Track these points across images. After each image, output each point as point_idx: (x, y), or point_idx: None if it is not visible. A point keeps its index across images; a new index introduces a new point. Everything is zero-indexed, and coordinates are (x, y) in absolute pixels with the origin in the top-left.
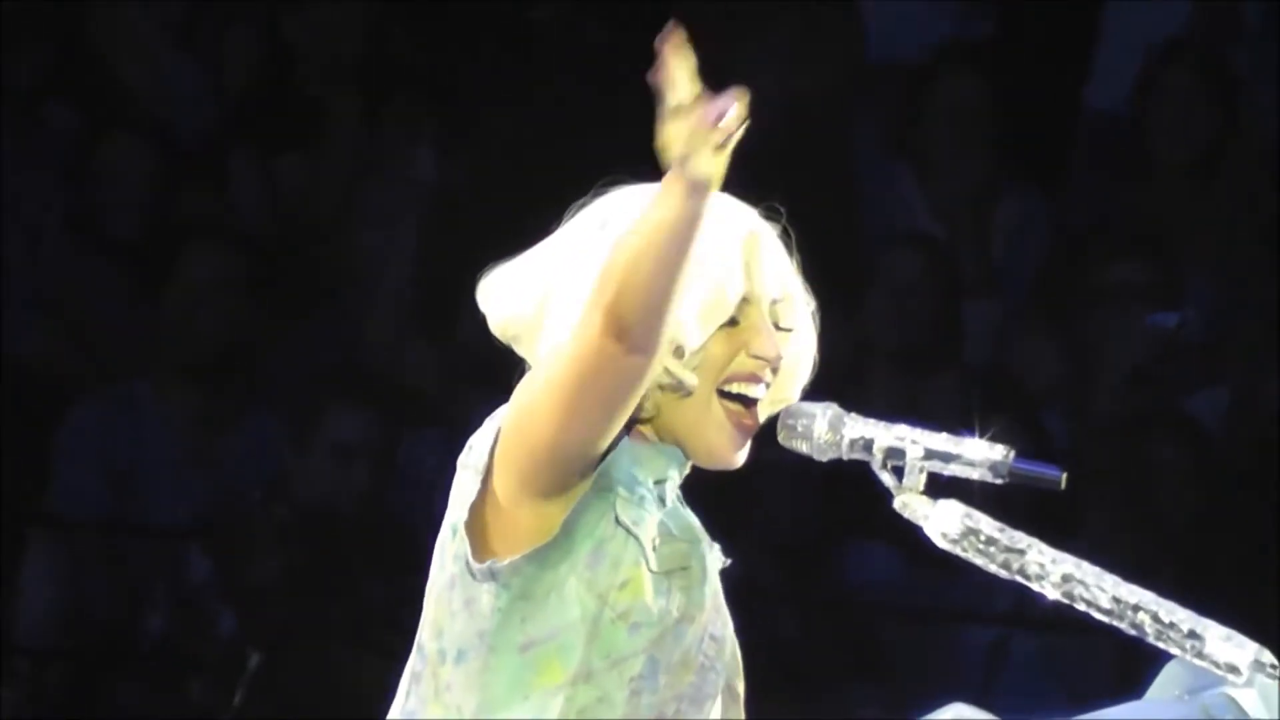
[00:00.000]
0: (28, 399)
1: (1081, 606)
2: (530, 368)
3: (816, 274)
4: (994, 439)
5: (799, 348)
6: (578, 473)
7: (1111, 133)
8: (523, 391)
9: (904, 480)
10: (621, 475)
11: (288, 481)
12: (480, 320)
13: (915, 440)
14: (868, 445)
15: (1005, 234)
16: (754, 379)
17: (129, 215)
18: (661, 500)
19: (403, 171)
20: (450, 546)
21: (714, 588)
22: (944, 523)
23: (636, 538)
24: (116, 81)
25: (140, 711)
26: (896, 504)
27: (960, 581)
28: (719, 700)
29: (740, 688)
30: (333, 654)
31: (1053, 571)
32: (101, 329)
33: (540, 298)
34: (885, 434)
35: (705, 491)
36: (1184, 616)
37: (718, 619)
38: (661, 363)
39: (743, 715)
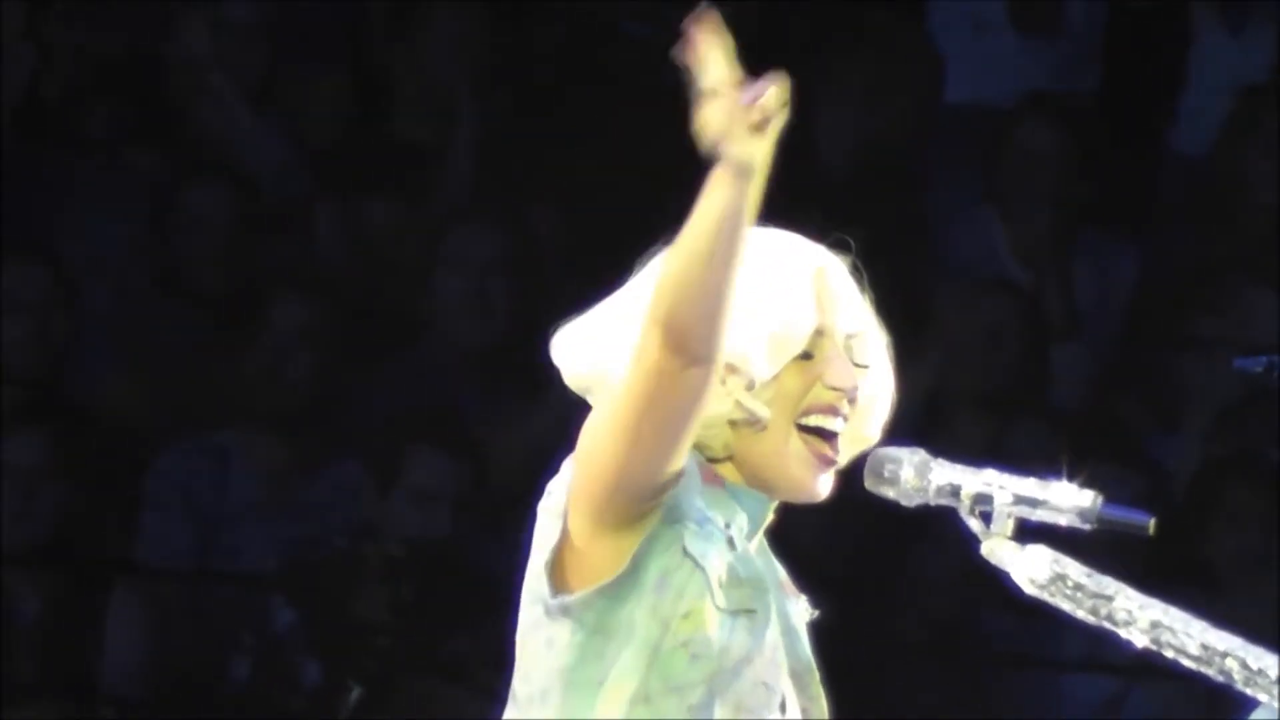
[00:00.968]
0: (114, 449)
1: (1169, 653)
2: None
3: (897, 317)
4: (1082, 484)
5: (876, 385)
6: (647, 499)
7: (1197, 177)
8: (588, 425)
9: (991, 526)
10: (691, 510)
11: (374, 527)
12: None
13: (1003, 485)
14: (955, 491)
15: (1090, 279)
16: (832, 411)
17: (214, 265)
18: (730, 542)
19: (488, 218)
20: (533, 590)
21: (776, 640)
22: (1032, 568)
23: (703, 570)
24: (200, 129)
25: None
26: (984, 550)
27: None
28: None
29: None
30: (422, 695)
31: (1140, 617)
32: (187, 379)
33: (609, 349)
34: (973, 479)
35: (843, 544)
36: (1272, 662)
37: (773, 669)
38: (733, 396)
39: None
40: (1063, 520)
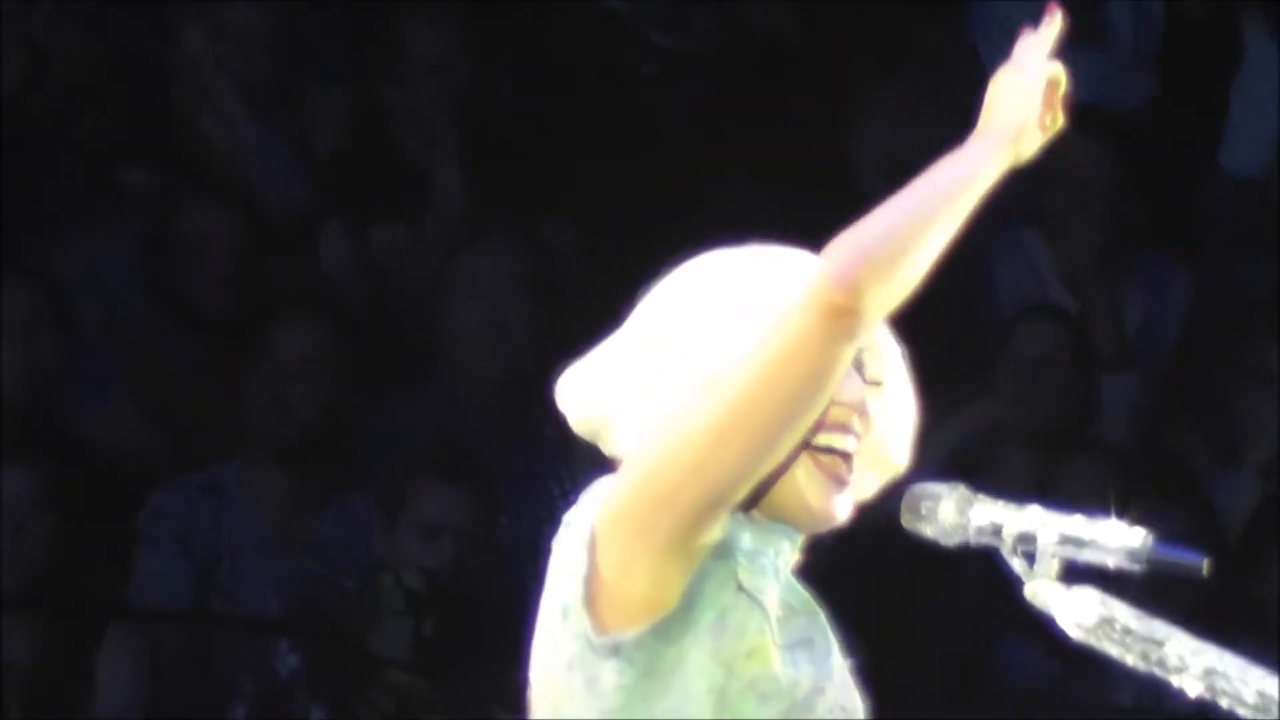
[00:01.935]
0: (106, 482)
1: (1225, 702)
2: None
3: (934, 344)
4: (1131, 523)
5: (894, 403)
6: (717, 507)
7: (1253, 196)
8: (665, 425)
9: (1035, 567)
10: (741, 543)
11: (382, 564)
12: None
13: (1047, 524)
14: (997, 530)
15: (1141, 305)
16: (842, 429)
17: (214, 288)
18: (777, 573)
19: (501, 241)
20: (563, 628)
21: (841, 663)
22: (1078, 612)
23: (761, 605)
24: (200, 145)
25: None
26: (1027, 592)
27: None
28: None
29: None
30: None
31: (1194, 664)
32: (184, 408)
33: (618, 390)
34: (1016, 517)
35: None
36: None
37: (846, 692)
38: None
39: None
40: (1111, 561)
